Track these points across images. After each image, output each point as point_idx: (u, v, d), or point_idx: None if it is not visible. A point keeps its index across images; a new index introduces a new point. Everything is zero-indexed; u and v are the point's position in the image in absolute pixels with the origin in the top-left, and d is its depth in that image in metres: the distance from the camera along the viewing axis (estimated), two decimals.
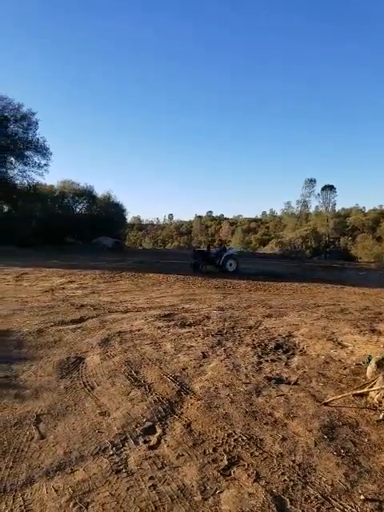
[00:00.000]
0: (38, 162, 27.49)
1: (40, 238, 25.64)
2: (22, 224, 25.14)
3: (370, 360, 4.02)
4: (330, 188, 54.82)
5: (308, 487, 2.20)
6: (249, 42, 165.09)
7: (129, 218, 54.20)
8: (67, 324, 5.77)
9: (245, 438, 2.71)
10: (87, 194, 34.17)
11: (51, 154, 28.20)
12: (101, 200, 35.43)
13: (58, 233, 28.19)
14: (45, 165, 27.75)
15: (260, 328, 6.07)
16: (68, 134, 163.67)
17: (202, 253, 16.69)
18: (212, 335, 5.46)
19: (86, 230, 30.46)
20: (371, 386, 3.49)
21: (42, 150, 27.63)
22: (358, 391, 3.49)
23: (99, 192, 36.05)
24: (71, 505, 1.99)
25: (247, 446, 2.60)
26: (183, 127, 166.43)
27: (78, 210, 34.35)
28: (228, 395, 3.42)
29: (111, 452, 2.48)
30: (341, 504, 2.07)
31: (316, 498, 2.11)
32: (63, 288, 9.66)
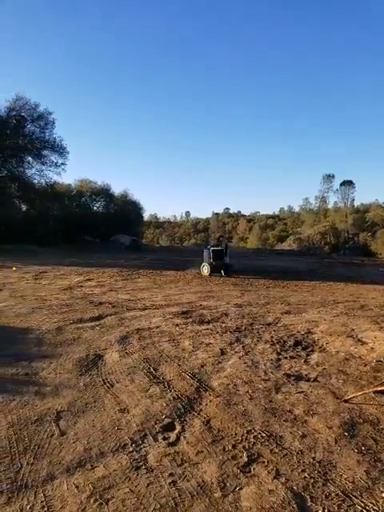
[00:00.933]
0: (55, 161, 27.76)
1: (58, 237, 26.04)
2: (40, 223, 25.51)
3: None
4: (348, 183, 53.76)
5: (329, 484, 2.17)
6: (264, 33, 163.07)
7: (146, 215, 54.52)
8: (86, 322, 5.85)
9: (264, 434, 2.70)
10: (104, 193, 34.46)
11: (68, 153, 28.48)
12: (118, 198, 35.69)
13: (76, 231, 28.58)
14: (62, 164, 28.02)
15: (279, 325, 6.02)
16: (84, 133, 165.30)
17: (218, 253, 13.56)
18: (230, 332, 5.45)
19: (103, 229, 30.75)
20: None
21: (59, 149, 27.93)
22: (379, 388, 3.42)
23: (116, 190, 36.34)
24: (92, 501, 2.02)
25: (267, 443, 2.59)
26: (199, 124, 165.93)
27: (95, 208, 34.70)
28: (247, 392, 3.41)
29: (131, 448, 2.51)
30: (362, 501, 2.03)
31: (337, 495, 2.08)
32: (81, 286, 9.79)
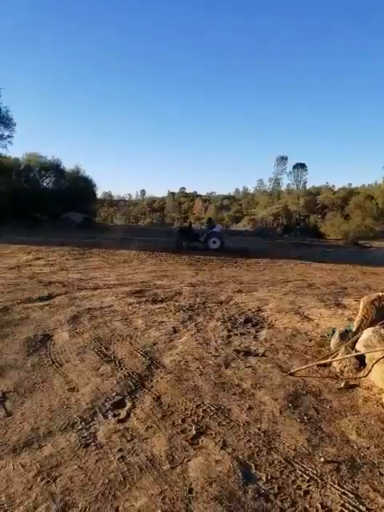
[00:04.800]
0: (0, 133, 26.13)
1: (4, 214, 24.60)
2: None
3: (333, 332, 4.17)
4: (301, 166, 55.55)
5: (272, 452, 2.29)
6: (220, 19, 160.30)
7: (99, 193, 52.97)
8: (34, 301, 5.64)
9: (213, 408, 2.77)
10: (54, 168, 32.89)
11: (15, 125, 26.85)
12: (69, 174, 34.23)
13: (25, 208, 27.15)
14: (8, 136, 26.41)
15: (230, 303, 6.16)
16: (33, 104, 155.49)
17: (184, 230, 17.03)
18: (183, 310, 5.50)
19: (53, 206, 29.42)
20: (334, 357, 3.64)
21: (5, 121, 26.22)
22: (322, 362, 3.63)
23: (67, 166, 34.84)
24: (39, 479, 1.98)
25: (215, 416, 2.67)
26: (155, 102, 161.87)
27: (45, 184, 33.11)
28: (198, 368, 3.48)
29: (80, 427, 2.48)
30: (302, 467, 2.17)
31: (279, 462, 2.21)
32: (30, 265, 9.39)
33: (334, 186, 73.29)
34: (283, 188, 60.84)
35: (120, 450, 2.26)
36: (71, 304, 5.59)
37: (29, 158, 32.25)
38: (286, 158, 56.46)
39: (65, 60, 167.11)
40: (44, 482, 1.97)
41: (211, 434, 2.46)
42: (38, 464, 2.11)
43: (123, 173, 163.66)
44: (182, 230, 17.14)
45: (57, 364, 3.45)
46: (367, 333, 3.59)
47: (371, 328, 3.64)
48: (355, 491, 1.99)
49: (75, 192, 32.12)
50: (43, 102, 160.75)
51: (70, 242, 15.57)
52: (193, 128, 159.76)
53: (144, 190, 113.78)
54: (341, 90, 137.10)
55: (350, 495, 1.96)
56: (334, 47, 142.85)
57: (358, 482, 2.06)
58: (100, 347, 3.90)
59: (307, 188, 60.90)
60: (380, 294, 3.96)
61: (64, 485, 1.96)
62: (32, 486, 1.94)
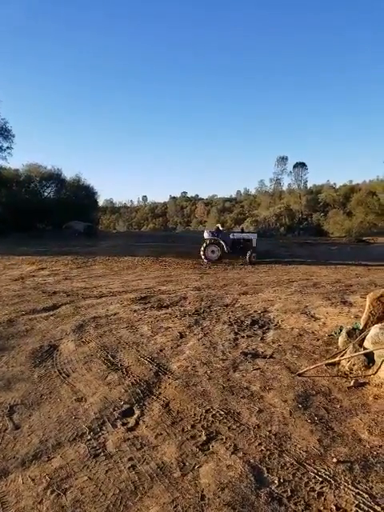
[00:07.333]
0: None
1: (7, 225, 24.68)
2: None
3: (341, 330, 4.13)
4: (301, 165, 55.32)
5: (284, 455, 2.26)
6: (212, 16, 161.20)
7: (101, 201, 53.03)
8: (39, 312, 5.65)
9: (222, 412, 2.75)
10: (55, 178, 33.00)
11: (14, 136, 26.99)
12: (70, 183, 34.31)
13: (27, 219, 27.21)
14: (7, 148, 26.55)
15: (236, 305, 6.14)
16: (33, 115, 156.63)
17: (237, 241, 13.01)
18: (189, 315, 5.48)
19: (55, 215, 29.47)
20: (342, 355, 3.61)
21: (4, 133, 26.36)
22: (330, 361, 3.59)
23: (68, 175, 34.95)
24: (49, 492, 1.97)
25: (225, 421, 2.64)
26: (152, 107, 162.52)
27: (46, 194, 33.20)
28: (205, 372, 3.45)
29: (89, 437, 2.47)
30: (315, 468, 2.14)
31: (292, 464, 2.18)
32: (34, 276, 9.42)
33: (335, 184, 73.21)
34: (284, 188, 60.75)
35: (130, 459, 2.24)
36: (76, 313, 5.59)
37: (29, 168, 32.35)
38: (286, 158, 56.31)
39: (64, 67, 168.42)
40: (54, 494, 1.95)
41: (221, 438, 2.44)
42: (47, 477, 2.09)
43: (124, 179, 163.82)
44: (235, 241, 12.99)
45: (63, 374, 3.44)
46: (374, 329, 3.55)
47: (378, 324, 3.60)
48: (369, 491, 1.96)
49: (77, 201, 32.18)
50: (41, 112, 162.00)
51: (73, 250, 15.60)
52: (193, 131, 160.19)
53: (146, 196, 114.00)
54: (336, 86, 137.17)
55: (365, 495, 1.92)
56: (331, 42, 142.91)
57: (372, 482, 2.02)
58: (106, 356, 3.88)
59: (308, 187, 60.74)
60: None
61: (74, 497, 1.94)
62: (42, 499, 1.93)
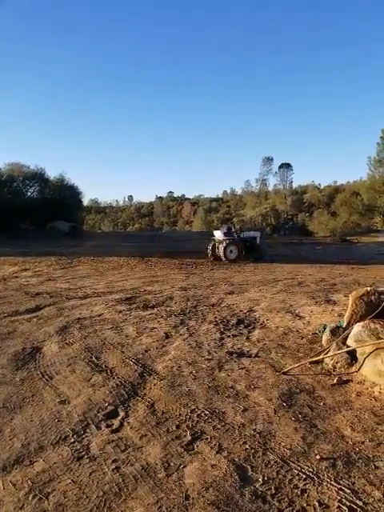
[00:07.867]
0: None
1: None
2: None
3: (325, 329, 4.18)
4: (286, 166, 55.96)
5: (268, 453, 2.27)
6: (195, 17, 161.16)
7: (86, 200, 52.63)
8: (22, 314, 5.56)
9: (207, 412, 2.75)
10: (38, 177, 32.55)
11: None
12: (54, 183, 33.91)
13: (9, 219, 26.75)
14: None
15: (222, 305, 6.15)
16: (14, 112, 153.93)
17: (246, 241, 13.73)
18: (175, 315, 5.47)
19: (39, 215, 29.07)
20: (326, 353, 3.65)
21: None
22: (314, 359, 3.63)
23: (52, 174, 34.51)
24: (30, 497, 1.93)
25: (210, 420, 2.64)
26: (137, 106, 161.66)
27: (29, 194, 32.71)
28: (191, 372, 3.45)
29: (72, 439, 2.43)
30: (299, 465, 2.15)
31: (276, 462, 2.19)
32: (16, 277, 9.27)
33: (319, 185, 74.28)
34: (270, 188, 61.30)
35: (114, 461, 2.22)
36: (60, 315, 5.52)
37: (11, 167, 31.80)
38: (272, 159, 56.87)
39: (44, 66, 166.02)
40: (36, 499, 1.92)
41: (206, 438, 2.44)
42: (29, 481, 2.05)
43: (110, 179, 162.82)
44: (244, 240, 13.61)
45: (46, 377, 3.39)
46: (357, 327, 3.61)
47: (361, 323, 3.66)
48: (352, 486, 1.98)
49: (61, 200, 31.81)
50: (24, 112, 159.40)
51: (57, 251, 15.42)
52: (178, 131, 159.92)
53: (131, 196, 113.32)
54: (319, 86, 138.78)
55: (347, 490, 1.95)
56: (315, 42, 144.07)
57: (354, 477, 2.05)
58: (91, 357, 3.84)
59: (294, 187, 61.49)
60: (368, 288, 3.99)
61: (57, 501, 1.91)
62: (24, 504, 1.89)
